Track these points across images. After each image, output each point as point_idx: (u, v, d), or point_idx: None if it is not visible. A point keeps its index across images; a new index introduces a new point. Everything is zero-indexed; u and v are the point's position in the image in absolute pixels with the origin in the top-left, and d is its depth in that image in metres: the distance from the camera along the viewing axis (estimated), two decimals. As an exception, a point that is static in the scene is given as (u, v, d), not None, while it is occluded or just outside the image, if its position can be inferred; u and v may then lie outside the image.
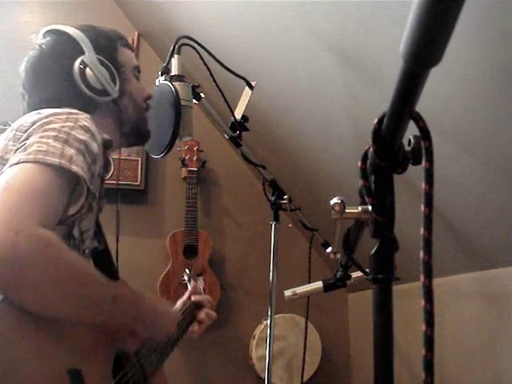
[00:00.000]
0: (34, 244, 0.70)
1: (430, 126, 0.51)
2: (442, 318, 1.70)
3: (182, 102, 1.17)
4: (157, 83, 1.23)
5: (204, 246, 2.45)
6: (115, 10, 2.72)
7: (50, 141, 0.83)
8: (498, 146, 1.18)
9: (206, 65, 1.36)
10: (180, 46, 1.28)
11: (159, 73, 1.25)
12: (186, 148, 2.50)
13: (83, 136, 0.88)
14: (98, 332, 0.87)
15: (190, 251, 2.42)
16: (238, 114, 1.47)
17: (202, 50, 1.34)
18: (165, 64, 1.26)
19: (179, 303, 1.46)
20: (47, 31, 1.08)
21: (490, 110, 1.12)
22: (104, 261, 1.10)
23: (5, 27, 2.50)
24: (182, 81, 1.24)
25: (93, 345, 0.85)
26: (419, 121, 0.51)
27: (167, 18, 2.25)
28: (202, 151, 2.54)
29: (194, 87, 1.32)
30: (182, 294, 1.50)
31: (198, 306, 1.47)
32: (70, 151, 0.83)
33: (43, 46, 1.06)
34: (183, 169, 2.55)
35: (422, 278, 0.48)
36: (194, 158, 2.49)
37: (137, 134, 1.17)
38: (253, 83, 1.50)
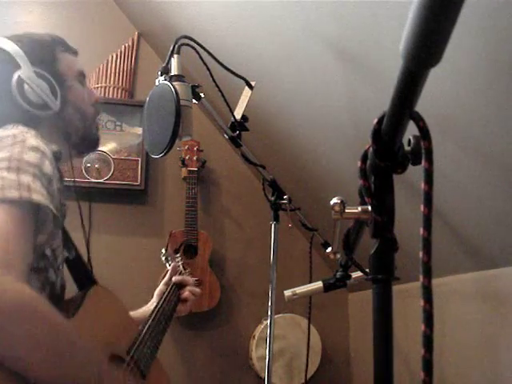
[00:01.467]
0: (8, 303, 0.67)
1: (430, 126, 0.51)
2: (442, 318, 1.70)
3: (182, 102, 1.17)
4: (156, 83, 1.23)
5: (204, 246, 2.45)
6: (115, 10, 2.72)
7: (5, 173, 0.80)
8: (499, 146, 1.18)
9: (205, 65, 1.36)
10: (180, 46, 1.28)
11: (159, 73, 1.25)
12: (186, 148, 2.50)
13: (35, 158, 0.85)
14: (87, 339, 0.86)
15: (190, 251, 2.42)
16: (238, 114, 1.47)
17: (202, 50, 1.34)
18: (165, 64, 1.26)
19: (161, 285, 1.48)
20: None
21: (491, 110, 1.12)
22: (77, 268, 1.09)
23: (4, 27, 2.50)
24: (181, 81, 1.24)
25: None
26: (419, 121, 0.51)
27: (167, 18, 2.25)
28: (202, 151, 2.54)
29: (193, 87, 1.32)
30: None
31: (181, 285, 1.49)
32: (26, 179, 0.80)
33: None
34: (183, 169, 2.55)
35: (421, 278, 0.48)
36: (194, 158, 2.49)
37: (86, 143, 1.16)
38: (253, 83, 1.50)
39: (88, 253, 1.13)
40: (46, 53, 1.08)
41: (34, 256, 0.86)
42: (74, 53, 1.18)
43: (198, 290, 1.51)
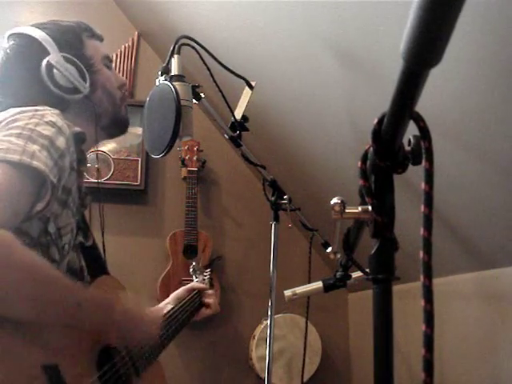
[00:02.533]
0: None
1: (430, 126, 0.51)
2: (442, 318, 1.70)
3: (182, 102, 1.17)
4: (157, 83, 1.23)
5: (204, 246, 2.45)
6: (115, 10, 2.72)
7: (13, 138, 0.83)
8: (498, 146, 1.18)
9: (205, 65, 1.36)
10: (180, 46, 1.28)
11: (159, 73, 1.25)
12: (186, 148, 2.50)
13: (48, 131, 0.88)
14: (75, 329, 0.87)
15: (190, 251, 2.42)
16: (238, 114, 1.47)
17: (202, 50, 1.34)
18: (165, 64, 1.26)
19: (181, 290, 1.48)
20: (11, 34, 1.08)
21: (491, 109, 1.12)
22: (92, 256, 1.10)
23: (5, 27, 2.50)
24: (182, 81, 1.24)
25: (70, 341, 0.84)
26: (419, 121, 0.51)
27: (167, 18, 2.25)
28: (201, 151, 2.54)
29: (194, 87, 1.32)
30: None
31: (202, 293, 1.52)
32: (33, 147, 0.83)
33: (8, 50, 1.06)
34: (183, 169, 2.55)
35: (421, 278, 0.48)
36: (194, 158, 2.49)
37: (116, 125, 1.18)
38: (253, 83, 1.50)
39: (103, 246, 1.14)
40: (72, 38, 1.10)
41: (36, 228, 0.88)
42: (100, 38, 1.20)
43: (217, 305, 1.56)
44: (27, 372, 0.73)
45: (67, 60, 1.05)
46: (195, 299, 1.45)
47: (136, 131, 2.53)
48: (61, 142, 0.89)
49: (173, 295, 1.45)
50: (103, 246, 1.14)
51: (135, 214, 2.58)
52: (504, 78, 1.03)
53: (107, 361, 0.95)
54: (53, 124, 0.90)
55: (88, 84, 1.07)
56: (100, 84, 1.12)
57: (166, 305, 1.40)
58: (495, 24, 0.95)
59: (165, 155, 1.17)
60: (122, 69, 2.64)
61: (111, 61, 1.20)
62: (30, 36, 1.05)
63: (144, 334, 1.03)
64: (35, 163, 0.81)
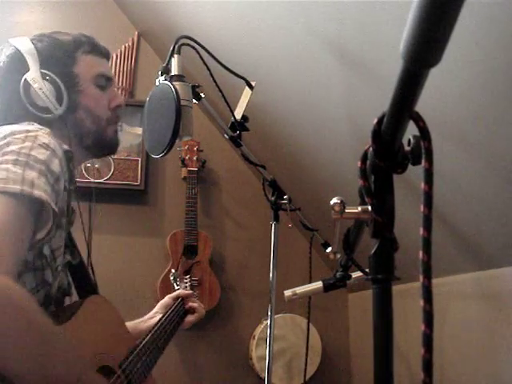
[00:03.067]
0: None
1: (430, 126, 0.51)
2: (442, 318, 1.70)
3: (182, 102, 1.17)
4: (157, 83, 1.23)
5: (204, 246, 2.45)
6: (115, 10, 2.72)
7: (10, 166, 0.80)
8: (498, 146, 1.18)
9: (205, 65, 1.36)
10: (180, 46, 1.28)
11: (159, 73, 1.25)
12: (186, 148, 2.50)
13: (43, 155, 0.85)
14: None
15: (190, 251, 2.42)
16: (238, 114, 1.47)
17: (202, 50, 1.34)
18: (165, 64, 1.26)
19: (167, 298, 1.47)
20: (8, 43, 1.06)
21: (491, 109, 1.12)
22: (80, 275, 1.08)
23: (5, 27, 2.50)
24: (182, 81, 1.24)
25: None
26: (419, 121, 0.51)
27: (167, 18, 2.25)
28: (201, 151, 2.54)
29: (194, 87, 1.32)
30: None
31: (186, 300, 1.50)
32: (32, 174, 0.81)
33: (0, 61, 1.05)
34: (183, 169, 2.55)
35: (421, 278, 0.48)
36: (194, 158, 2.49)
37: (100, 146, 1.14)
38: (253, 83, 1.50)
39: (89, 257, 1.13)
40: (62, 53, 1.07)
41: (31, 253, 0.86)
42: (103, 54, 1.16)
43: (202, 306, 1.53)
44: None
45: (45, 78, 1.02)
46: (180, 307, 1.44)
47: (136, 131, 2.53)
48: (55, 165, 0.87)
49: (160, 304, 1.45)
50: (90, 263, 1.13)
51: (135, 214, 2.58)
52: (504, 78, 1.03)
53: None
54: (46, 146, 0.87)
55: (64, 104, 1.04)
56: (82, 104, 1.08)
57: (156, 314, 1.41)
58: (495, 24, 0.95)
59: (165, 155, 1.17)
60: (121, 69, 2.64)
61: (109, 78, 1.15)
62: (17, 49, 1.04)
63: None
64: (36, 192, 0.79)
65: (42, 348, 0.74)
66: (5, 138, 0.86)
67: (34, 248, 0.86)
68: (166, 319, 1.34)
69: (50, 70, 1.03)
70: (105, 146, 1.15)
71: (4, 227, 0.75)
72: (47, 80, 1.03)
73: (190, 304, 1.48)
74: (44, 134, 0.90)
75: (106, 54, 1.17)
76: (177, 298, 1.47)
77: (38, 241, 0.84)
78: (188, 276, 1.73)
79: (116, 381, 0.98)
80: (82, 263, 1.09)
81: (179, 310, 1.43)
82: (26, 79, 1.01)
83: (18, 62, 1.03)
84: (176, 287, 1.62)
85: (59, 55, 1.06)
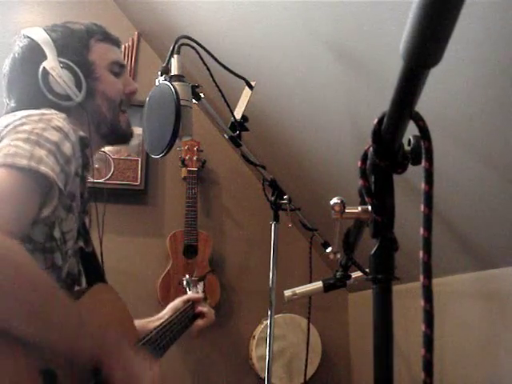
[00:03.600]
0: None
1: (430, 126, 0.51)
2: (442, 318, 1.70)
3: (182, 102, 1.17)
4: (157, 83, 1.23)
5: (204, 246, 2.45)
6: (115, 10, 2.72)
7: (20, 143, 0.82)
8: (498, 146, 1.18)
9: (205, 65, 1.35)
10: (180, 46, 1.28)
11: (159, 73, 1.25)
12: (186, 148, 2.50)
13: (55, 137, 0.87)
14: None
15: (190, 251, 2.42)
16: (238, 114, 1.47)
17: (202, 50, 1.34)
18: (165, 64, 1.26)
19: (177, 301, 1.47)
20: (22, 35, 1.08)
21: (491, 109, 1.12)
22: (90, 263, 1.09)
23: (5, 27, 2.50)
24: (181, 81, 1.24)
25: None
26: (419, 121, 0.51)
27: (167, 18, 2.25)
28: (202, 151, 2.54)
29: (193, 87, 1.32)
30: (182, 295, 1.51)
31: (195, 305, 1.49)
32: (41, 152, 0.83)
33: (16, 54, 1.06)
34: (183, 169, 2.55)
35: (421, 278, 0.48)
36: (194, 158, 2.49)
37: (115, 133, 1.16)
38: (253, 83, 1.50)
39: (101, 252, 1.14)
40: (76, 42, 1.09)
41: (41, 234, 0.88)
42: (114, 42, 1.17)
43: (213, 312, 1.53)
44: (24, 374, 0.72)
45: (64, 65, 1.04)
46: (189, 310, 1.44)
47: (136, 131, 2.52)
48: (67, 147, 0.89)
49: (170, 306, 1.45)
50: (101, 253, 1.14)
51: (135, 214, 2.58)
52: (504, 78, 1.03)
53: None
54: (59, 129, 0.89)
55: (83, 91, 1.06)
56: (99, 91, 1.10)
57: (165, 315, 1.40)
58: (495, 24, 0.95)
59: (165, 155, 1.17)
60: (121, 69, 2.64)
61: (122, 65, 1.16)
62: (32, 39, 1.05)
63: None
64: (43, 168, 0.81)
65: (46, 301, 0.76)
66: (20, 119, 0.88)
67: (41, 225, 0.87)
68: (174, 319, 1.34)
69: (66, 59, 1.05)
70: (120, 135, 1.17)
71: (9, 196, 0.77)
72: (65, 68, 1.04)
73: (200, 308, 1.48)
74: (59, 118, 0.92)
75: (117, 42, 1.18)
76: (187, 301, 1.47)
77: (44, 218, 0.85)
78: (202, 282, 1.73)
79: None
80: (94, 253, 1.10)
81: (188, 312, 1.43)
82: (44, 67, 1.02)
83: (34, 52, 1.04)
84: (188, 292, 1.62)
85: (74, 44, 1.08)
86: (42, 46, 1.04)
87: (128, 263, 2.50)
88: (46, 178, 0.82)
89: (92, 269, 1.10)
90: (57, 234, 0.91)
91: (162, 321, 1.33)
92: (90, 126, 1.06)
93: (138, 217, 2.58)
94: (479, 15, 0.94)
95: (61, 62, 1.04)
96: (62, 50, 1.05)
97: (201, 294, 1.57)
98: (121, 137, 1.18)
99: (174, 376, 2.42)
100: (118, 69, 1.15)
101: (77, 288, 1.05)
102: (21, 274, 0.73)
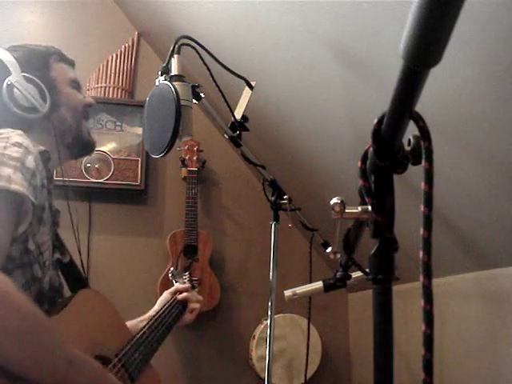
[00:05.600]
0: None
1: (430, 126, 0.51)
2: (442, 318, 1.70)
3: (182, 102, 1.17)
4: (157, 83, 1.23)
5: (204, 246, 2.45)
6: (115, 10, 2.72)
7: None
8: (498, 146, 1.18)
9: (205, 65, 1.35)
10: (180, 46, 1.27)
11: (159, 73, 1.25)
12: (186, 148, 2.50)
13: (17, 153, 0.89)
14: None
15: (190, 251, 2.42)
16: (238, 114, 1.47)
17: (202, 50, 1.34)
18: (165, 64, 1.26)
19: (166, 293, 1.49)
20: None
21: (491, 109, 1.12)
22: (71, 273, 1.11)
23: (5, 27, 2.50)
24: (181, 81, 1.24)
25: None
26: (419, 121, 0.51)
27: (167, 18, 2.25)
28: (202, 151, 2.54)
29: (193, 87, 1.32)
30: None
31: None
32: (8, 171, 0.84)
33: None
34: (183, 169, 2.54)
35: (421, 278, 0.48)
36: (194, 158, 2.49)
37: (80, 142, 1.19)
38: (253, 83, 1.50)
39: (81, 256, 1.16)
40: (38, 60, 1.14)
41: (17, 249, 0.88)
42: (70, 63, 1.24)
43: (200, 297, 1.55)
44: None
45: (28, 80, 1.08)
46: (177, 301, 1.46)
47: (136, 131, 2.53)
48: (30, 161, 0.91)
49: (159, 300, 1.47)
50: (79, 254, 1.16)
51: (135, 214, 2.58)
52: (504, 78, 1.03)
53: None
54: (19, 145, 0.91)
55: (48, 102, 1.09)
56: (63, 101, 1.15)
57: (155, 311, 1.41)
58: (495, 24, 0.95)
59: (165, 155, 1.17)
60: (121, 69, 2.63)
61: (79, 84, 1.23)
62: None
63: None
64: (13, 186, 0.83)
65: (32, 333, 0.76)
66: None
67: (18, 242, 0.88)
68: (163, 312, 1.36)
69: (29, 74, 1.09)
70: (83, 145, 1.21)
71: None
72: (29, 82, 1.08)
73: (191, 305, 1.49)
74: (16, 135, 0.94)
75: (72, 63, 1.25)
76: (175, 292, 1.49)
77: (21, 234, 0.86)
78: (187, 273, 1.74)
79: (112, 369, 1.00)
80: (72, 262, 1.12)
81: (177, 303, 1.45)
82: (9, 82, 1.05)
83: None
84: (175, 284, 1.63)
85: (35, 61, 1.13)
86: (6, 63, 1.07)
87: (128, 263, 2.50)
88: (17, 196, 0.84)
89: (73, 278, 1.12)
90: (31, 246, 0.92)
91: (152, 314, 1.35)
92: (56, 138, 1.09)
93: (138, 217, 2.58)
94: (479, 15, 0.94)
95: (24, 77, 1.07)
96: (25, 66, 1.09)
97: (187, 284, 1.58)
98: (85, 145, 1.21)
99: (173, 376, 2.42)
100: (77, 86, 1.21)
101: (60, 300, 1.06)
102: (14, 309, 0.73)
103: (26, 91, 1.06)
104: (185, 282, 1.64)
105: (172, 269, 1.73)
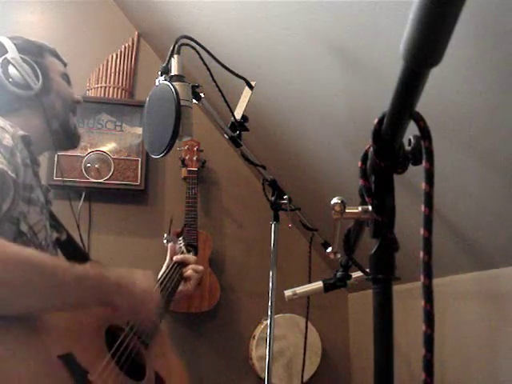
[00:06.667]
0: None
1: (430, 126, 0.51)
2: (442, 318, 1.70)
3: (182, 102, 1.17)
4: (156, 83, 1.23)
5: (204, 246, 2.45)
6: (115, 10, 2.72)
7: None
8: (498, 146, 1.18)
9: (205, 65, 1.36)
10: (180, 46, 1.28)
11: (159, 73, 1.25)
12: (186, 148, 2.50)
13: None
14: (79, 313, 0.88)
15: (190, 251, 2.42)
16: (238, 114, 1.47)
17: (202, 50, 1.34)
18: (165, 64, 1.26)
19: (164, 266, 1.50)
20: None
21: (491, 109, 1.12)
22: (70, 249, 1.14)
23: (5, 27, 2.50)
24: (181, 81, 1.24)
25: (77, 325, 0.86)
26: (419, 121, 0.51)
27: (167, 18, 2.25)
28: (202, 151, 2.54)
29: (193, 87, 1.32)
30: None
31: (183, 264, 1.51)
32: None
33: None
34: (183, 169, 2.54)
35: (421, 278, 0.48)
36: (194, 158, 2.49)
37: (66, 132, 1.22)
38: (253, 83, 1.50)
39: (81, 237, 1.17)
40: (34, 48, 1.18)
41: (8, 231, 0.89)
42: (63, 63, 1.27)
43: (200, 267, 1.53)
44: (46, 364, 0.73)
45: (23, 60, 1.12)
46: (176, 266, 1.48)
47: (136, 131, 2.53)
48: (7, 140, 0.93)
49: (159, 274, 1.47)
50: (80, 238, 1.17)
51: (135, 213, 2.58)
52: (504, 78, 1.03)
53: (114, 340, 0.97)
54: None
55: (41, 81, 1.14)
56: (54, 89, 1.19)
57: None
58: (495, 24, 0.95)
59: (165, 155, 1.17)
60: (121, 69, 2.63)
61: (69, 80, 1.27)
62: None
63: (143, 308, 1.01)
64: None
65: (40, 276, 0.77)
66: None
67: (7, 223, 0.89)
68: (165, 278, 1.38)
69: (25, 56, 1.13)
70: (69, 135, 1.23)
71: None
72: (25, 62, 1.12)
73: (187, 273, 1.50)
74: None
75: (64, 62, 1.29)
76: (172, 256, 1.52)
77: (5, 212, 0.87)
78: (181, 238, 1.74)
79: (126, 337, 1.02)
80: (70, 238, 1.14)
81: (173, 276, 1.45)
82: (5, 59, 1.09)
83: None
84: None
85: (32, 49, 1.17)
86: (3, 43, 1.12)
87: (128, 263, 2.50)
88: None
89: (73, 254, 1.14)
90: (24, 227, 0.93)
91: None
92: (44, 119, 1.13)
93: (138, 217, 2.58)
94: (479, 15, 0.94)
95: (21, 57, 1.12)
96: (21, 49, 1.14)
97: (184, 251, 1.59)
98: (71, 136, 1.24)
99: (174, 376, 2.42)
100: (67, 80, 1.25)
101: None
102: (12, 256, 0.73)
103: (20, 68, 1.10)
104: (180, 247, 1.64)
105: (166, 235, 1.73)
